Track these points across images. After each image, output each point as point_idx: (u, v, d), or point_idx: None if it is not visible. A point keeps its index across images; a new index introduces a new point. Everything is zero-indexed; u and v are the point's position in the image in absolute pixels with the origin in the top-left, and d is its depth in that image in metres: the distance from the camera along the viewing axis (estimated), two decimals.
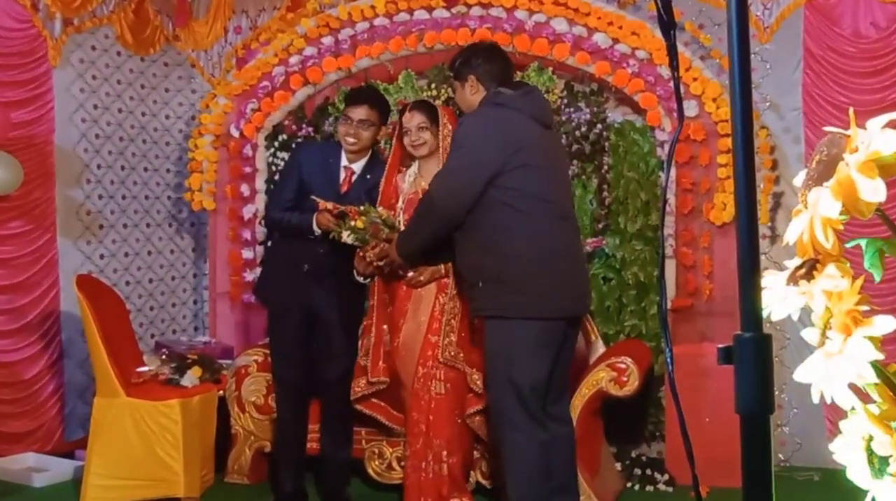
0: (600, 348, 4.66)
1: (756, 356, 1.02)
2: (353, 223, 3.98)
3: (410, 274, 4.07)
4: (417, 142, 4.09)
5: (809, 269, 1.31)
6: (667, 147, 4.84)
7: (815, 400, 1.28)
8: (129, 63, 5.85)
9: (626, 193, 5.00)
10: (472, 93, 3.87)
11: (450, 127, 4.06)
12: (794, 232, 1.37)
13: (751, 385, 1.01)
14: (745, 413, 1.05)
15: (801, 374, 1.24)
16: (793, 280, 1.33)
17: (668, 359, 1.11)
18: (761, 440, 1.02)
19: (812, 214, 1.32)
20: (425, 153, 4.11)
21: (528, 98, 3.78)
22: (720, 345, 1.02)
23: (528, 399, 3.62)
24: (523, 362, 3.62)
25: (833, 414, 4.78)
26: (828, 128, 1.25)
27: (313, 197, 4.14)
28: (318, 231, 4.16)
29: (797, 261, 1.37)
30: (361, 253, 4.06)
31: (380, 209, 4.08)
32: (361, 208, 4.02)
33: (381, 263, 4.03)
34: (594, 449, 4.40)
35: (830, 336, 1.21)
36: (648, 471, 4.66)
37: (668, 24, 1.23)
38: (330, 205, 4.10)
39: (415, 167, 4.21)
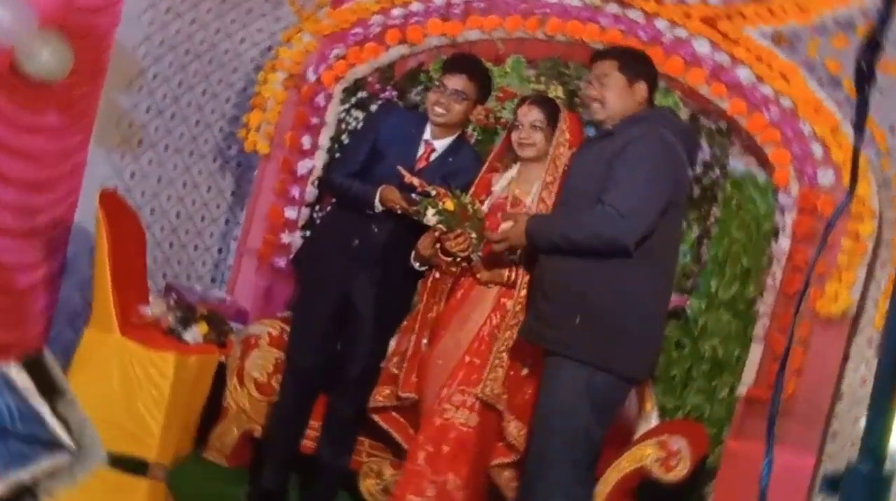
0: (653, 420, 4.57)
1: (868, 496, 0.87)
2: (441, 204, 3.88)
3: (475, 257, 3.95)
4: (525, 141, 4.00)
5: None
6: (787, 215, 4.73)
7: None
8: None
9: (728, 254, 4.90)
10: (633, 98, 3.76)
11: (568, 136, 3.96)
12: None
13: None
14: None
15: None
16: None
17: (765, 473, 1.03)
18: None
19: None
20: (531, 155, 4.02)
21: (688, 136, 3.88)
22: (826, 473, 0.93)
23: (592, 460, 3.66)
24: (599, 419, 3.64)
25: None
26: None
27: (399, 167, 4.06)
28: (379, 207, 4.11)
29: None
30: (437, 236, 3.95)
31: (469, 197, 3.98)
32: (452, 192, 3.92)
33: (463, 253, 3.91)
34: None
35: None
36: None
37: (865, 77, 1.17)
38: (416, 181, 4.00)
39: (513, 171, 4.13)
